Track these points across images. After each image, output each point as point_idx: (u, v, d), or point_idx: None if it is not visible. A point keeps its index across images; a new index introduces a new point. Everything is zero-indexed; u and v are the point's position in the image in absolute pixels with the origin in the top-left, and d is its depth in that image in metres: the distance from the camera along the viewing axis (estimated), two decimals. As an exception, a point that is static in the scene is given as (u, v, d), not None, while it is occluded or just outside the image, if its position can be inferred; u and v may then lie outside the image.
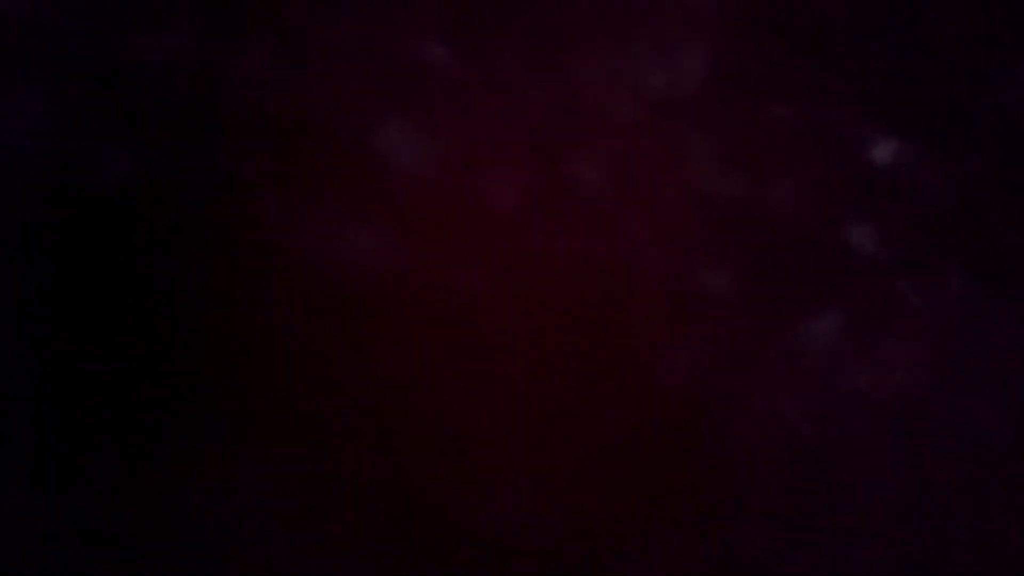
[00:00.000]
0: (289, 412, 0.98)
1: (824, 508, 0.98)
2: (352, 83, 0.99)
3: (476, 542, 0.96)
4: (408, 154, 0.98)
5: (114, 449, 0.98)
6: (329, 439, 0.98)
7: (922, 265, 1.00)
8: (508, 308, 0.98)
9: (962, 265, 1.00)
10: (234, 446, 0.98)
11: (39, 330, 0.98)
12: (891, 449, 0.98)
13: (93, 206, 0.99)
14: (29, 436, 0.97)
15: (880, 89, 1.01)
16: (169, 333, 0.98)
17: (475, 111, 0.99)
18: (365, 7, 1.00)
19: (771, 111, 1.00)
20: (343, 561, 0.97)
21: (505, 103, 0.99)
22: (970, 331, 0.99)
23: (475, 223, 0.98)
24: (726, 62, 1.00)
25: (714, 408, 0.98)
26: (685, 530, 0.97)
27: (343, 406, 0.98)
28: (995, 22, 1.01)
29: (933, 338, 0.99)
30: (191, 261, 0.99)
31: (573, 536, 0.97)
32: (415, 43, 1.00)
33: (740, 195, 1.00)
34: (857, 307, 1.00)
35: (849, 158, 1.01)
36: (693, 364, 0.98)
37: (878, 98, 1.01)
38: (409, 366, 0.98)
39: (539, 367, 0.98)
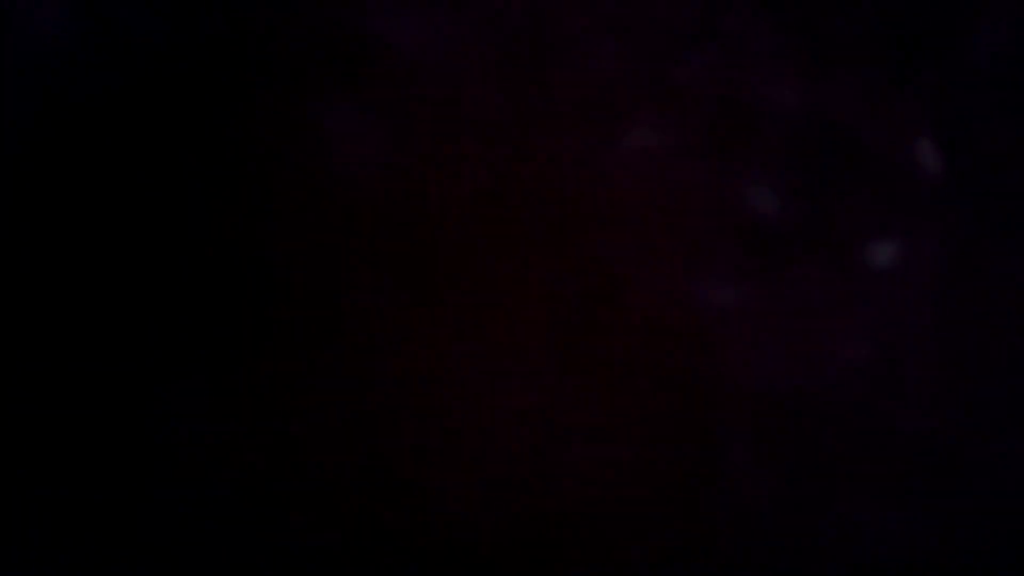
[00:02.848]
0: (282, 320, 0.96)
1: (876, 461, 0.91)
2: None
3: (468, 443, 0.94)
4: (409, 38, 0.94)
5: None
6: (318, 342, 0.95)
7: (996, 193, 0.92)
8: (514, 212, 0.94)
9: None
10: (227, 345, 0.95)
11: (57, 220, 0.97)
12: (944, 400, 0.91)
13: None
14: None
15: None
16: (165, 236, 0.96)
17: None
18: None
19: (830, 17, 0.93)
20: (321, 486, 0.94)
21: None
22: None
23: (481, 113, 0.94)
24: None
25: (744, 346, 0.91)
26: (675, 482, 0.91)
27: (337, 312, 0.95)
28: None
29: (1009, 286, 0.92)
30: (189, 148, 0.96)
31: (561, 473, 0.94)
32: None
33: (794, 104, 0.93)
34: (922, 237, 0.92)
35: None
36: (727, 295, 0.91)
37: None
38: (405, 268, 0.94)
39: (549, 278, 0.93)
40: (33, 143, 0.96)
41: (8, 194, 0.96)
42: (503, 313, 0.93)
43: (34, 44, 0.96)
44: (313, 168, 0.94)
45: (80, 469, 0.95)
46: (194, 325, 0.95)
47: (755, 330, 0.92)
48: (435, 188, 0.94)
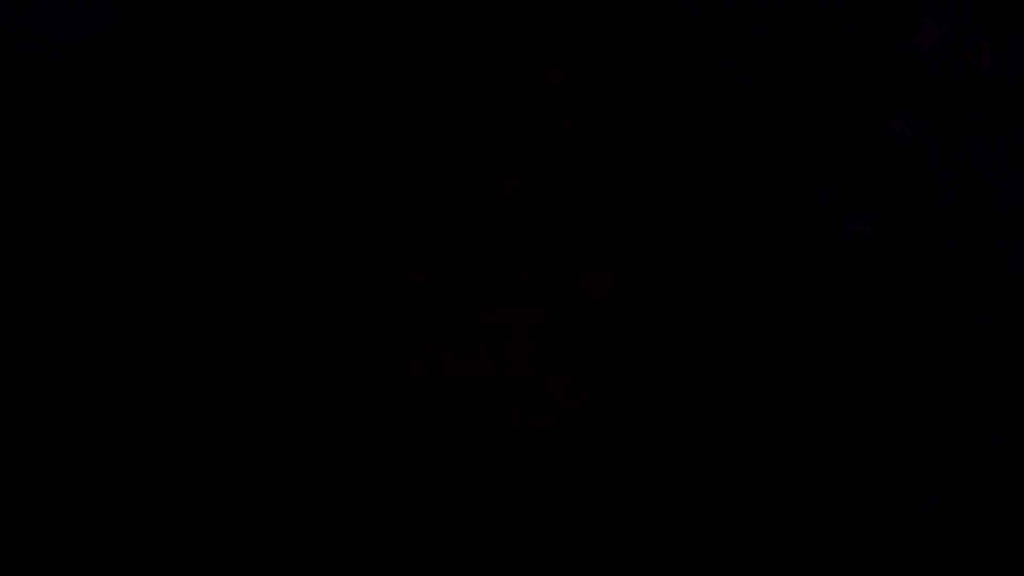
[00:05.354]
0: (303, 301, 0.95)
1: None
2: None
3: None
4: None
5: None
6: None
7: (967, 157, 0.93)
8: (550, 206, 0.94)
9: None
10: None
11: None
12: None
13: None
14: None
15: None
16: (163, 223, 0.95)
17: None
18: None
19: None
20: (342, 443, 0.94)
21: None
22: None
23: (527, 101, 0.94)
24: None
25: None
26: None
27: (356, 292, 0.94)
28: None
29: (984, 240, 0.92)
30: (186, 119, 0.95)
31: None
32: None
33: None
34: (899, 204, 0.93)
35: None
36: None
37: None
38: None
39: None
40: (63, 129, 0.96)
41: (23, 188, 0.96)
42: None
43: (49, 45, 0.96)
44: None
45: (79, 469, 0.94)
46: (196, 324, 0.94)
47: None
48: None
